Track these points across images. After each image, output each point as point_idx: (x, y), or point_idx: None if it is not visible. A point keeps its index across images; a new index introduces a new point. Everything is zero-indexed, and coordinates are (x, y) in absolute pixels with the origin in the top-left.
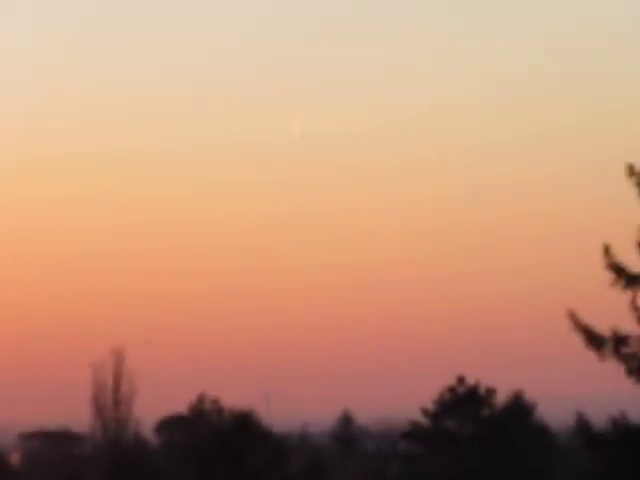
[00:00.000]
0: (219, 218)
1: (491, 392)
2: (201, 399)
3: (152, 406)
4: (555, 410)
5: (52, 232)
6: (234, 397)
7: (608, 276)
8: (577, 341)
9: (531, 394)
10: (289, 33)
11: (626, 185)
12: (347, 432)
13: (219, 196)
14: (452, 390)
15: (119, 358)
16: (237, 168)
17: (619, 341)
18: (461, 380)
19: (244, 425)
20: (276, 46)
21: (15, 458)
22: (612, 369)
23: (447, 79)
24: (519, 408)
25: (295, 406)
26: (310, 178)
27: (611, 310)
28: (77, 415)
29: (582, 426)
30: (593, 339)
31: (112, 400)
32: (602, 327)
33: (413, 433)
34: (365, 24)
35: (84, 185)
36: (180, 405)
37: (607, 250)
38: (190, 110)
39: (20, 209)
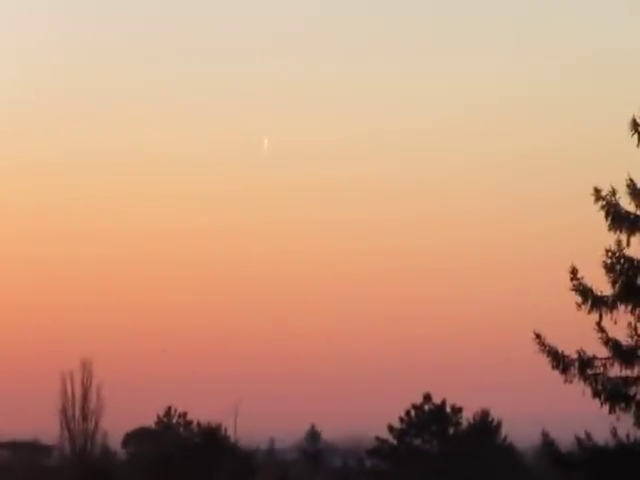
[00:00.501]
0: (190, 226)
1: (457, 411)
2: (168, 412)
3: (120, 419)
4: (521, 430)
5: (20, 237)
6: (202, 411)
7: (574, 298)
8: (543, 362)
9: (497, 413)
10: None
11: (593, 209)
12: (314, 448)
13: (197, 204)
14: (418, 408)
15: (88, 369)
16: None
17: (585, 363)
18: (427, 398)
19: (212, 439)
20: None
21: None
22: (578, 390)
23: (424, 96)
24: (485, 427)
25: (262, 421)
26: (284, 190)
27: (577, 332)
28: (45, 426)
29: (548, 446)
30: (559, 361)
31: (80, 412)
32: (568, 349)
33: (379, 450)
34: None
35: (53, 189)
36: (148, 418)
37: (574, 273)
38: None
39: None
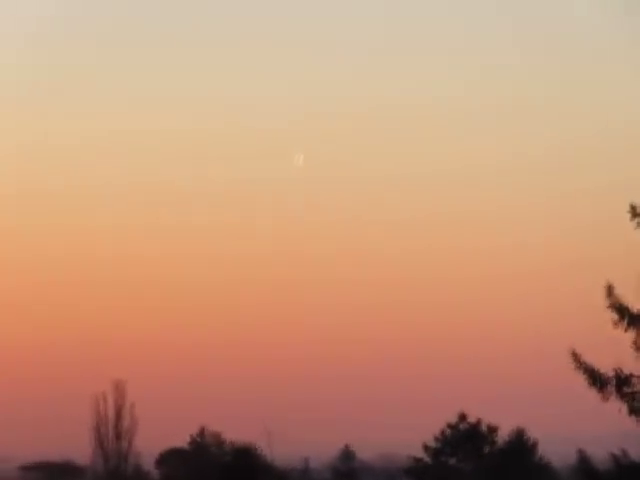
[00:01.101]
0: (223, 254)
1: (493, 429)
2: (202, 433)
3: (153, 439)
4: (557, 448)
5: (54, 261)
6: (236, 432)
7: (611, 316)
8: (580, 380)
9: (533, 432)
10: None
11: (629, 228)
12: (348, 467)
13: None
14: (454, 427)
15: (120, 390)
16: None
17: (622, 381)
18: (463, 417)
19: (245, 458)
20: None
21: None
22: (614, 408)
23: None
24: (521, 445)
25: (297, 441)
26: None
27: (614, 350)
28: (79, 447)
29: (584, 463)
30: (596, 379)
31: (113, 432)
32: (605, 367)
33: (414, 469)
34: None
35: (101, 215)
36: (181, 438)
37: (610, 290)
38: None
39: (25, 236)
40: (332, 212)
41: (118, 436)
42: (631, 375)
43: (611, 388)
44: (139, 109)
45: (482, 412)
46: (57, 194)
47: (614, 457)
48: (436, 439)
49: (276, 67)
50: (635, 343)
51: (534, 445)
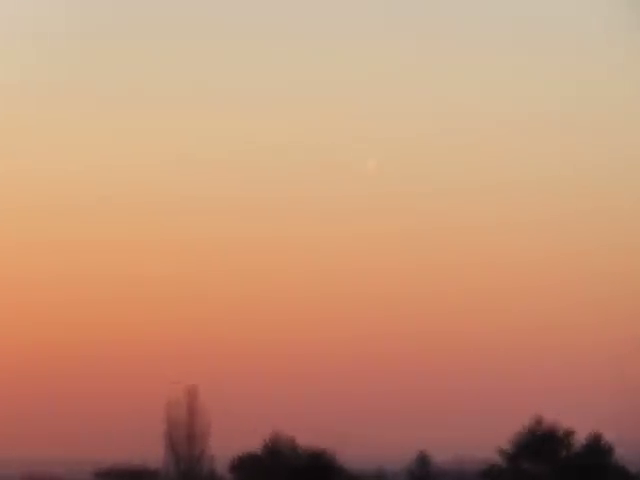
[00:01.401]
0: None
1: (569, 434)
2: (275, 438)
3: (227, 444)
4: (633, 453)
5: (127, 277)
6: (309, 436)
7: None
8: None
9: (609, 437)
10: None
11: None
12: (424, 471)
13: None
14: (530, 431)
15: (193, 395)
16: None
17: None
18: (539, 421)
19: (319, 464)
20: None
21: None
22: None
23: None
24: (597, 450)
25: (372, 446)
26: None
27: None
28: (152, 452)
29: None
30: None
31: (186, 437)
32: None
33: (490, 472)
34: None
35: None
36: (254, 443)
37: None
38: None
39: (93, 253)
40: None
41: (191, 440)
42: None
43: None
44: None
45: (558, 416)
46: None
47: None
48: (512, 443)
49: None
50: None
51: (610, 450)
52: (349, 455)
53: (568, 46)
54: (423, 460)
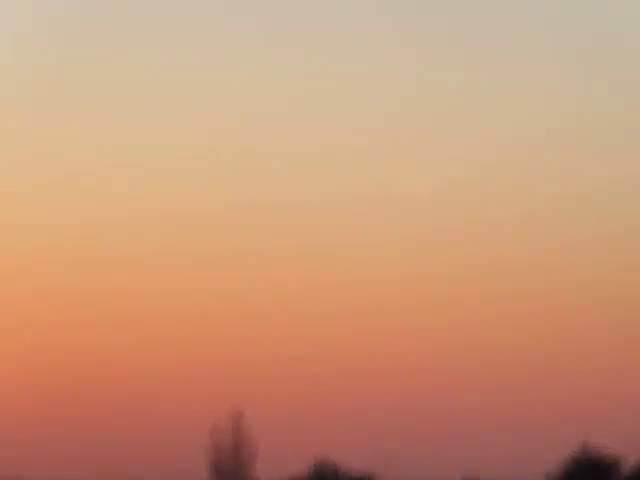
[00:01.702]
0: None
1: (617, 459)
2: (321, 463)
3: (272, 470)
4: None
5: (165, 294)
6: (355, 461)
7: None
8: None
9: None
10: None
11: None
12: None
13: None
14: (577, 457)
15: (238, 421)
16: None
17: None
18: (585, 448)
19: None
20: None
21: None
22: None
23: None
24: None
25: (416, 469)
26: None
27: None
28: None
29: None
30: None
31: (232, 464)
32: None
33: None
34: None
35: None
36: (300, 469)
37: None
38: None
39: (134, 266)
40: None
41: (237, 468)
42: None
43: None
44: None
45: (606, 442)
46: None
47: None
48: (559, 471)
49: None
50: None
51: None
52: (397, 477)
53: None
54: None
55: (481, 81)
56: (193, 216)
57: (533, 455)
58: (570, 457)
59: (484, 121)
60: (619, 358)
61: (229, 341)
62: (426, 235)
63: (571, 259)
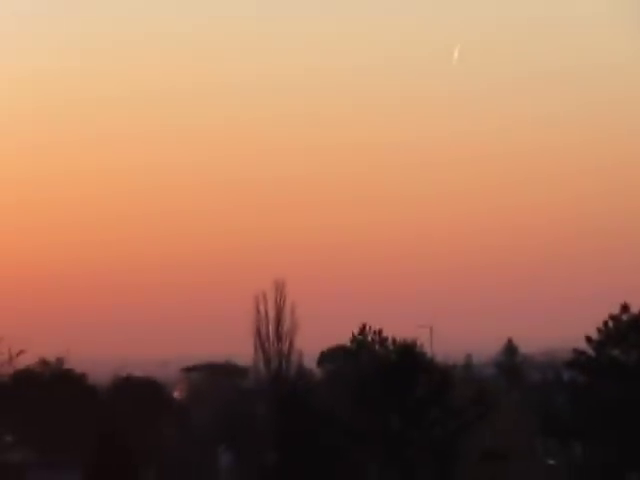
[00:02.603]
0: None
1: None
2: (363, 330)
3: (314, 338)
4: None
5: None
6: (397, 328)
7: None
8: None
9: None
10: None
11: None
12: (511, 362)
13: None
14: (616, 318)
15: (281, 290)
16: None
17: None
18: (625, 307)
19: (408, 356)
20: None
21: (179, 391)
22: None
23: None
24: None
25: (459, 336)
26: None
27: None
28: (239, 348)
29: None
30: None
31: (274, 333)
32: None
33: (577, 362)
34: None
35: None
36: (342, 337)
37: None
38: None
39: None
40: None
41: (279, 337)
42: None
43: None
44: None
45: None
46: None
47: None
48: (599, 331)
49: None
50: None
51: None
52: (436, 347)
53: None
54: (510, 350)
55: None
56: None
57: (573, 320)
58: (609, 317)
59: None
60: None
61: (271, 210)
62: None
63: None
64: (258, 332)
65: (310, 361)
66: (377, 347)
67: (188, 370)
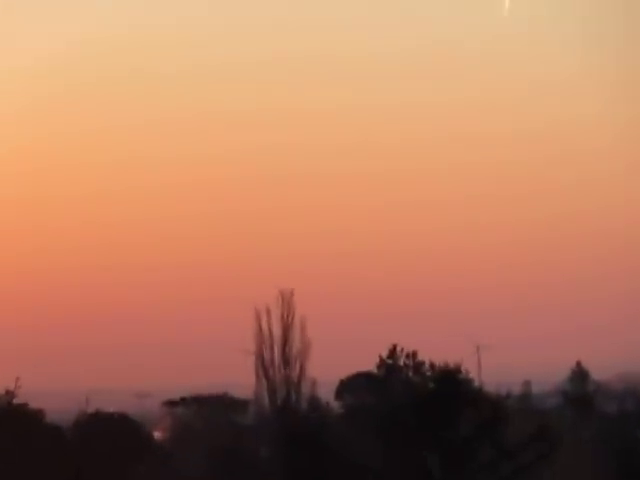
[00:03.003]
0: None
1: None
2: (393, 352)
3: (331, 363)
4: None
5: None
6: (435, 350)
7: None
8: None
9: None
10: None
11: None
12: (581, 391)
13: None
14: None
15: (288, 303)
16: None
17: None
18: None
19: (449, 384)
20: None
21: (160, 430)
22: None
23: None
24: None
25: (514, 360)
26: None
27: None
28: (237, 376)
29: None
30: None
31: (280, 356)
32: None
33: None
34: None
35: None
36: (367, 361)
37: None
38: None
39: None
40: None
41: (286, 361)
42: None
43: None
44: None
45: None
46: None
47: None
48: None
49: None
50: None
51: None
52: (486, 373)
53: None
54: (581, 376)
55: None
56: None
57: None
58: None
59: None
60: None
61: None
62: None
63: None
64: (261, 355)
65: (326, 392)
66: (411, 373)
67: (172, 404)
